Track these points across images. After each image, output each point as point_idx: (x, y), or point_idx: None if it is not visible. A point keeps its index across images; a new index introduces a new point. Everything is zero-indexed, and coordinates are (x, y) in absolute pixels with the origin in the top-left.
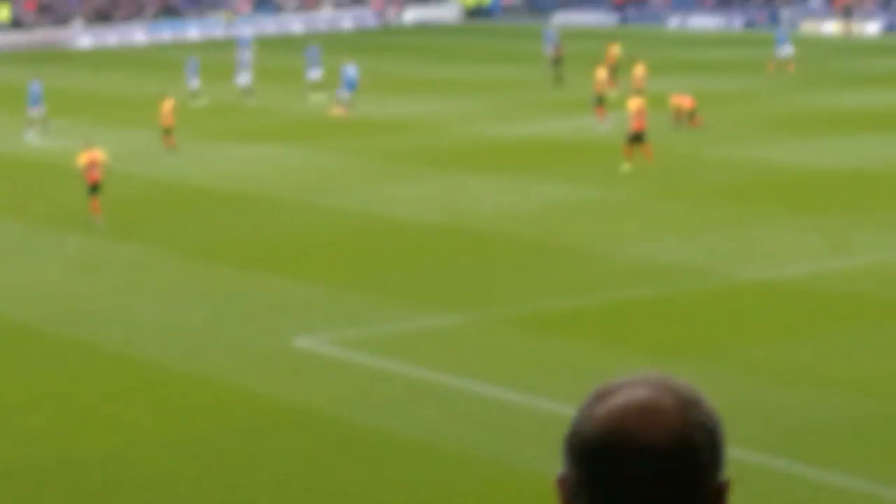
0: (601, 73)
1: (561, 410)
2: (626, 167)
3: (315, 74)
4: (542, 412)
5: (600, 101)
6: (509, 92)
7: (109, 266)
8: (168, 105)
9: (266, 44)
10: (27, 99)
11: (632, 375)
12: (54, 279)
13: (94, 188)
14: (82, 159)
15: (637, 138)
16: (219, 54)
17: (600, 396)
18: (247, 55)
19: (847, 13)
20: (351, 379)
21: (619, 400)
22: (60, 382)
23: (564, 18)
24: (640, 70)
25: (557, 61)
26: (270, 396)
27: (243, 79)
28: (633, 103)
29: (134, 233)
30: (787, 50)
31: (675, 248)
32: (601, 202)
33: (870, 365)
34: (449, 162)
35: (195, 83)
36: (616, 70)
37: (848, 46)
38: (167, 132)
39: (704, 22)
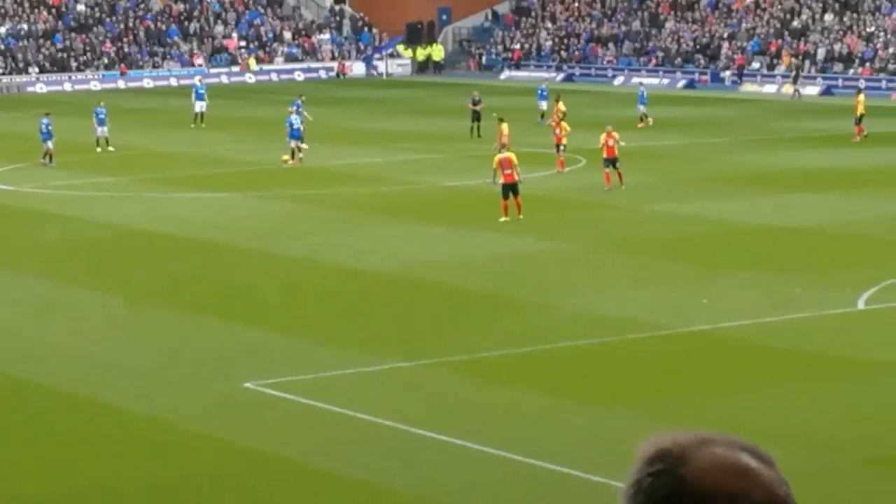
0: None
1: (502, 455)
2: (502, 219)
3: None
4: (485, 457)
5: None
6: (459, 144)
7: (61, 309)
8: None
9: (220, 93)
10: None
11: (684, 434)
12: (6, 321)
13: None
14: None
15: (511, 189)
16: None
17: (678, 455)
18: (200, 105)
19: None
20: (300, 423)
21: (706, 460)
22: (15, 423)
23: (511, 75)
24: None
25: (476, 115)
26: (221, 438)
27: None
28: (504, 157)
29: (85, 276)
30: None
31: (617, 300)
32: (546, 254)
33: (804, 418)
34: (397, 212)
35: (101, 131)
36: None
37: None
38: None
39: (648, 81)
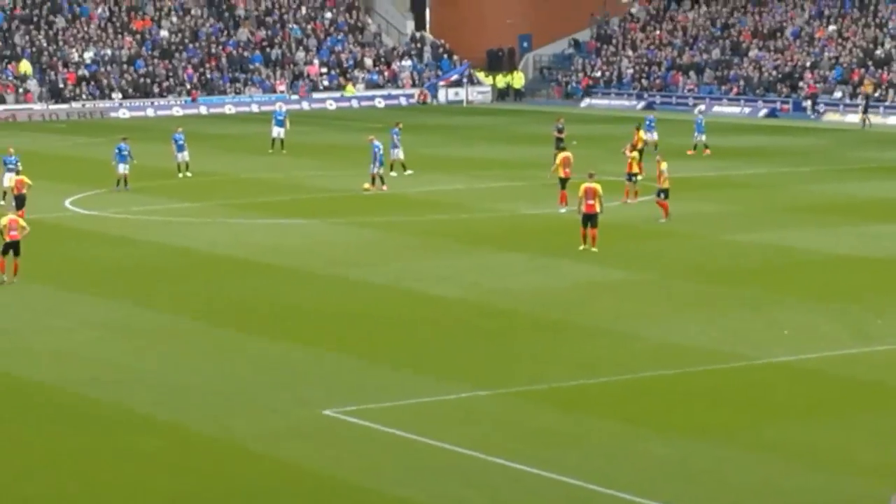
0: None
1: (580, 486)
2: (581, 247)
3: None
4: (563, 487)
5: (562, 185)
6: (539, 172)
7: (139, 332)
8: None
9: (300, 119)
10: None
11: None
12: (84, 343)
13: (7, 249)
14: (2, 221)
15: (590, 220)
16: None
17: None
18: (278, 131)
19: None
20: (378, 451)
21: None
22: (89, 443)
23: (591, 103)
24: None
25: (560, 143)
26: (299, 465)
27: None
28: (589, 187)
29: (164, 300)
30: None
31: (695, 330)
32: (625, 282)
33: (886, 450)
34: (478, 240)
35: (181, 156)
36: (641, 153)
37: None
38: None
39: (729, 110)
